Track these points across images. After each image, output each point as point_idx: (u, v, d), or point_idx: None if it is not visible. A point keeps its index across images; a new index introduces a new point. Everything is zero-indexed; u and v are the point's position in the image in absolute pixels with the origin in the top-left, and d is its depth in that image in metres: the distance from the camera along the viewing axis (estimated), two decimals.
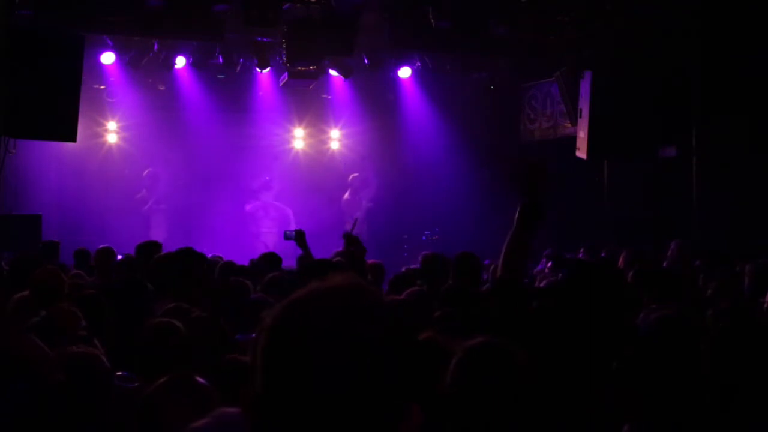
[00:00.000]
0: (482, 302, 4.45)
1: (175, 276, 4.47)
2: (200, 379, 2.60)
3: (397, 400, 1.15)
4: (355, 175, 13.38)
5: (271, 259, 5.95)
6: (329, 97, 13.70)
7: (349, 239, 3.19)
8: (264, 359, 1.17)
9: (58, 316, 3.55)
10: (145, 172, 12.87)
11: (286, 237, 6.84)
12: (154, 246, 6.47)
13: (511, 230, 3.00)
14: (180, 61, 11.77)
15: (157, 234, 12.23)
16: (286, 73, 11.54)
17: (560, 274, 6.95)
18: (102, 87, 12.37)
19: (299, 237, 6.14)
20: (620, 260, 8.08)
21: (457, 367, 2.23)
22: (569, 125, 11.34)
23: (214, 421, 1.24)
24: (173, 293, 4.29)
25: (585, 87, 10.17)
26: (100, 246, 7.33)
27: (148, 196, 12.78)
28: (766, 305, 4.97)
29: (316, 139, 14.11)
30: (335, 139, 14.10)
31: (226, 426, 1.24)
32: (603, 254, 8.74)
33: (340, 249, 6.08)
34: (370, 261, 6.57)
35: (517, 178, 2.98)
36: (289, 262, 7.24)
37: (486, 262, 7.49)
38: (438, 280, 5.16)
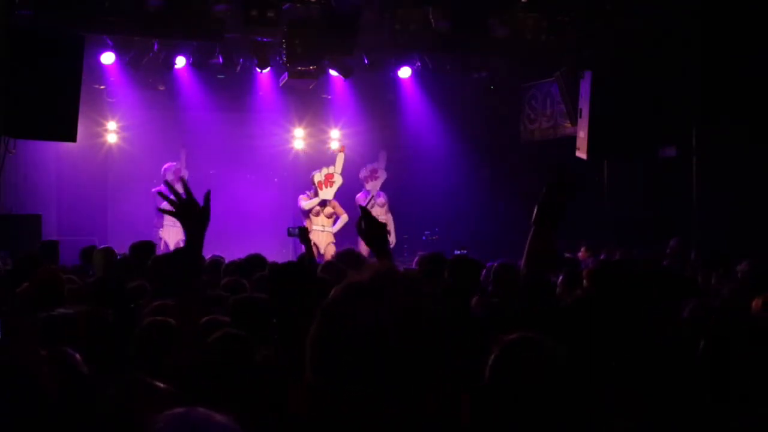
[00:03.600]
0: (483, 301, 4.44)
1: (172, 276, 4.47)
2: (153, 380, 2.53)
3: (449, 388, 1.18)
4: (364, 168, 13.26)
5: (256, 261, 5.95)
6: (329, 97, 13.71)
7: (365, 214, 3.08)
8: (316, 344, 1.21)
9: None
10: (164, 167, 12.55)
11: (289, 234, 6.80)
12: (149, 246, 6.47)
13: (531, 231, 2.99)
14: (180, 61, 11.77)
15: (176, 233, 12.13)
16: (286, 73, 11.54)
17: (560, 276, 6.91)
18: (102, 87, 12.38)
19: (302, 234, 6.10)
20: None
21: (497, 362, 2.23)
22: (569, 125, 11.35)
23: (170, 421, 1.24)
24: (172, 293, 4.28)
25: (585, 87, 10.17)
26: (101, 246, 7.34)
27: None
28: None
29: (316, 139, 14.11)
30: (335, 139, 14.10)
31: (183, 425, 1.24)
32: (602, 255, 8.74)
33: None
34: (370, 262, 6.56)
35: (551, 182, 2.95)
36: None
37: (489, 264, 7.46)
38: (436, 281, 5.13)
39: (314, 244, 11.04)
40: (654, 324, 3.26)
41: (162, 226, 12.29)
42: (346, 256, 5.81)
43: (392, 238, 12.76)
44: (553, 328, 2.65)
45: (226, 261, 6.70)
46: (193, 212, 2.69)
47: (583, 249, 9.09)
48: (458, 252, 12.96)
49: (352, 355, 1.16)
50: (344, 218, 12.43)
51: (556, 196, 2.91)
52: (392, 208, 13.13)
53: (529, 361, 2.18)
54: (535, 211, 2.97)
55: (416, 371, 1.16)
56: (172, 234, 12.29)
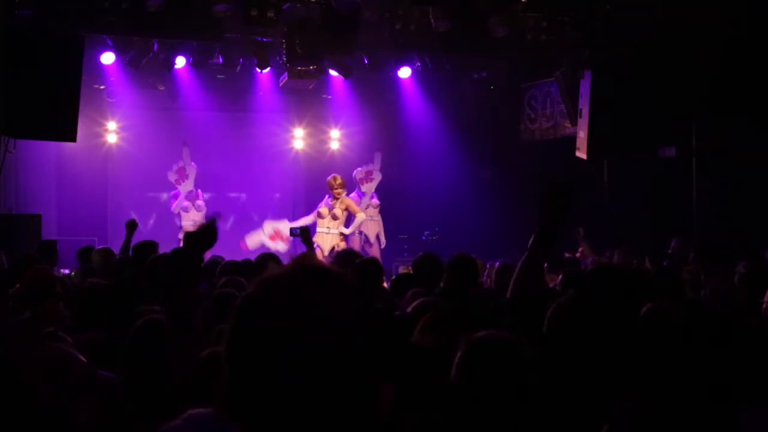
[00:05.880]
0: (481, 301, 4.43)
1: (167, 277, 4.45)
2: (79, 356, 2.47)
3: (367, 380, 1.15)
4: (359, 169, 13.09)
5: (269, 259, 5.94)
6: (329, 97, 13.70)
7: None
8: (229, 345, 1.17)
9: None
10: (174, 168, 12.39)
11: (292, 234, 6.80)
12: (151, 246, 6.46)
13: (525, 253, 3.05)
14: (180, 61, 11.77)
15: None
16: (286, 73, 11.54)
17: (560, 277, 6.91)
18: (102, 87, 12.37)
19: (304, 234, 6.10)
20: (615, 259, 8.09)
21: (463, 360, 2.22)
22: (569, 125, 11.34)
23: (183, 423, 1.24)
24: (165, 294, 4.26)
25: (585, 87, 10.17)
26: (99, 246, 7.34)
27: (179, 193, 12.27)
28: (765, 305, 4.96)
29: (316, 139, 14.11)
30: (335, 139, 14.10)
31: (196, 426, 1.23)
32: (606, 254, 8.74)
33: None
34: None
35: (543, 199, 3.00)
36: None
37: (489, 263, 7.46)
38: (433, 281, 5.11)
39: (318, 245, 10.86)
40: (648, 325, 3.26)
41: (181, 228, 12.01)
42: (344, 256, 5.80)
43: (383, 239, 12.53)
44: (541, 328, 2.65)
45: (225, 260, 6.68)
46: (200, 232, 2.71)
47: (581, 249, 9.07)
48: (428, 233, 12.95)
49: (267, 353, 1.12)
50: (360, 216, 11.76)
51: (551, 219, 2.96)
52: (393, 208, 13.07)
53: (494, 360, 2.18)
54: (533, 237, 3.02)
55: (334, 369, 1.12)
56: None
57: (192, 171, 12.52)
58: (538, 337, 2.60)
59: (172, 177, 12.58)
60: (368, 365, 1.15)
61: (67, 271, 7.82)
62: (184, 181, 12.49)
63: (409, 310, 3.76)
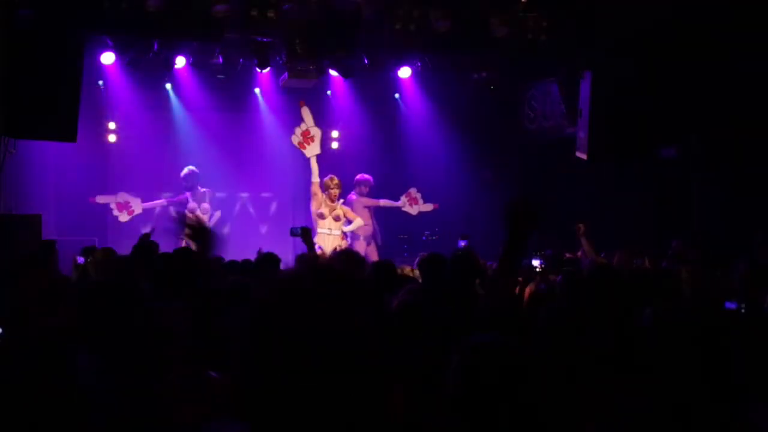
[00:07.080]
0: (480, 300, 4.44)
1: (168, 276, 4.45)
2: (212, 373, 2.57)
3: (380, 382, 1.15)
4: (359, 176, 13.05)
5: (269, 259, 5.95)
6: (330, 96, 13.70)
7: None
8: (241, 346, 1.17)
9: None
10: (184, 172, 12.25)
11: (292, 233, 6.77)
12: (152, 245, 6.47)
13: (495, 268, 3.06)
14: (180, 61, 11.77)
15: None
16: (286, 73, 11.53)
17: (559, 277, 6.92)
18: (102, 87, 12.37)
19: (305, 234, 6.06)
20: (615, 259, 8.10)
21: (460, 364, 2.22)
22: (569, 125, 11.34)
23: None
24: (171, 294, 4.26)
25: (585, 87, 10.18)
26: (100, 246, 7.34)
27: (184, 198, 12.19)
28: (766, 305, 4.96)
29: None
30: (335, 139, 14.10)
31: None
32: (602, 254, 8.74)
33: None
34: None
35: (509, 218, 2.99)
36: None
37: (489, 263, 7.46)
38: (437, 280, 5.12)
39: (320, 246, 10.84)
40: (656, 325, 3.26)
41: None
42: (344, 256, 5.80)
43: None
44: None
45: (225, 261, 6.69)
46: (204, 236, 2.80)
47: (581, 249, 9.08)
48: (428, 233, 12.89)
49: (280, 355, 1.12)
50: (358, 221, 11.92)
51: (518, 230, 2.96)
52: (392, 207, 13.04)
53: (492, 363, 2.17)
54: (501, 253, 3.01)
55: (347, 371, 1.12)
56: None
57: (137, 204, 12.24)
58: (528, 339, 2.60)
59: (115, 212, 12.19)
60: (382, 367, 1.15)
61: (82, 260, 7.75)
62: (125, 211, 12.21)
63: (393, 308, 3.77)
